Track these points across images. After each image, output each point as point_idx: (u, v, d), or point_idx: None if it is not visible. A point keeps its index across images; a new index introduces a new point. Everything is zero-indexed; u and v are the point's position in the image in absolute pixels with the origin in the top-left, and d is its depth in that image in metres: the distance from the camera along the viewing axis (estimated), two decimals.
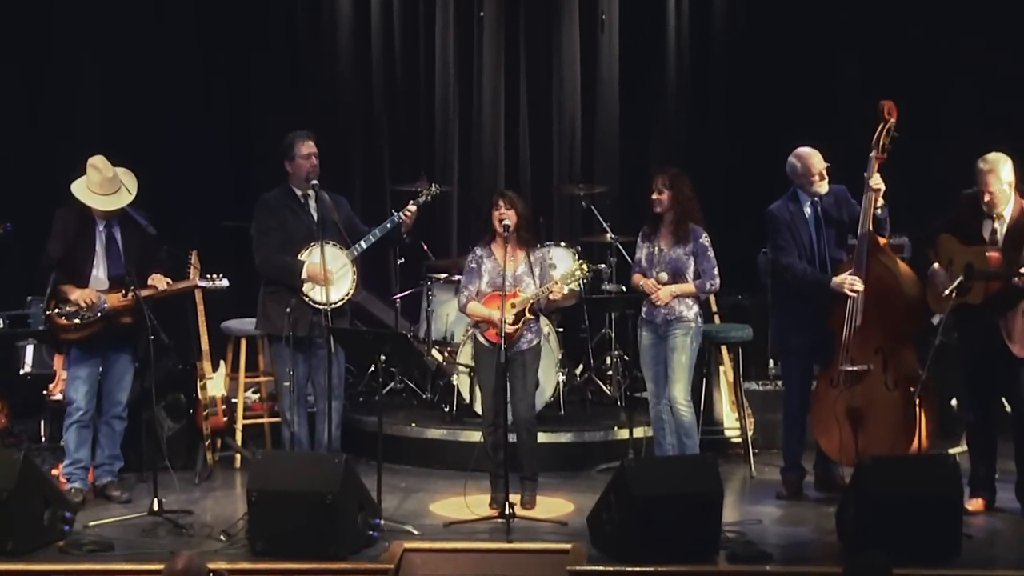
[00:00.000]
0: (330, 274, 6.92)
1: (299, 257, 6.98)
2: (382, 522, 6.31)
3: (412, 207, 7.17)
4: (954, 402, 7.89)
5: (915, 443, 6.52)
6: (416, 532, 6.41)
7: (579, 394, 8.53)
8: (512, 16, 9.74)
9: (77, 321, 6.85)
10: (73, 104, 9.45)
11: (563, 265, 7.90)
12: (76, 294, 6.84)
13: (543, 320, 7.30)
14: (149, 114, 9.38)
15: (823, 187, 6.92)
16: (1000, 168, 6.50)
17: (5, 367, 8.49)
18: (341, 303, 7.01)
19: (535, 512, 6.78)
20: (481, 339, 6.91)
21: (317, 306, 6.94)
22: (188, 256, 7.31)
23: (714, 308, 8.39)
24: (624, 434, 7.76)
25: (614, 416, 8.17)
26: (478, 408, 7.87)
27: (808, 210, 6.97)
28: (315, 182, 7.04)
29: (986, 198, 6.53)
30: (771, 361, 8.56)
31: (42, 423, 8.16)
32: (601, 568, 5.92)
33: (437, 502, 7.08)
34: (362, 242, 7.07)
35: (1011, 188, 6.53)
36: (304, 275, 6.94)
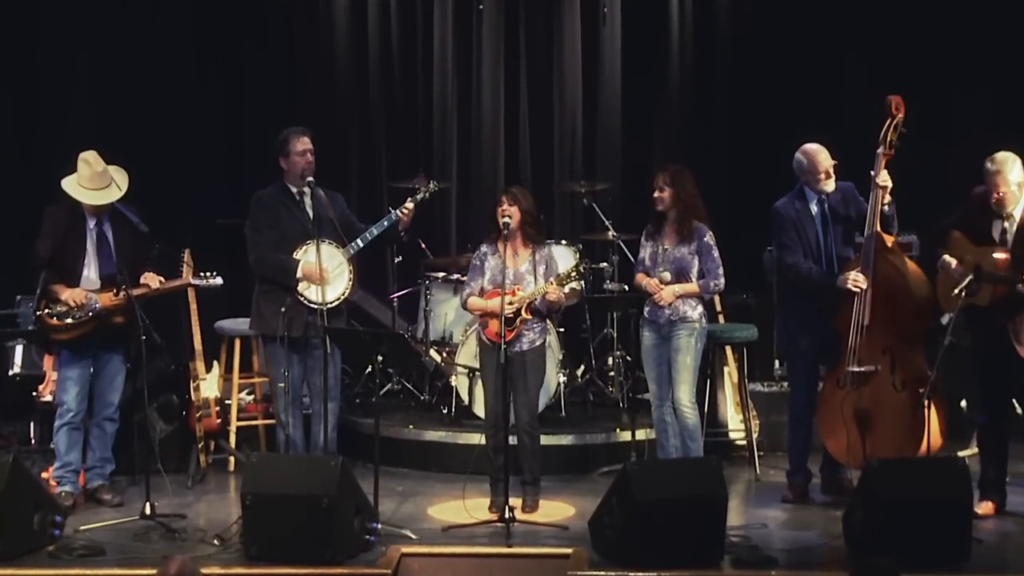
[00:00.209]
0: (326, 273, 6.92)
1: (294, 255, 6.99)
2: (379, 526, 6.31)
3: (410, 204, 7.17)
4: (964, 403, 7.89)
5: (924, 445, 6.52)
6: (414, 536, 6.41)
7: (580, 395, 8.53)
8: (512, 8, 9.74)
9: (69, 321, 6.85)
10: (65, 101, 9.45)
11: (564, 264, 7.89)
12: (67, 294, 6.85)
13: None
14: (142, 110, 9.38)
15: (829, 185, 6.92)
16: (1008, 168, 6.51)
17: None
18: (337, 302, 7.01)
19: (536, 516, 6.79)
20: (484, 337, 6.92)
21: (313, 305, 6.94)
22: (181, 254, 7.32)
23: (718, 307, 8.38)
24: (626, 436, 7.76)
25: (616, 418, 8.17)
26: (477, 410, 7.88)
27: (815, 207, 6.97)
28: (311, 179, 7.04)
29: (994, 198, 6.54)
30: (777, 362, 8.56)
31: (32, 425, 8.16)
32: (603, 573, 5.91)
33: (435, 506, 7.08)
34: (358, 240, 7.08)
35: (1020, 188, 6.54)
36: (299, 274, 6.95)
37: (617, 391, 8.47)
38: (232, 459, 7.92)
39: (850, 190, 7.00)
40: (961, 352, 6.89)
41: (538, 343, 6.91)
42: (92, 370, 7.04)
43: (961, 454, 6.88)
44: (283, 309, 6.86)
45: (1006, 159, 6.53)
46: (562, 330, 8.32)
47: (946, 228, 6.77)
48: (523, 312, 6.76)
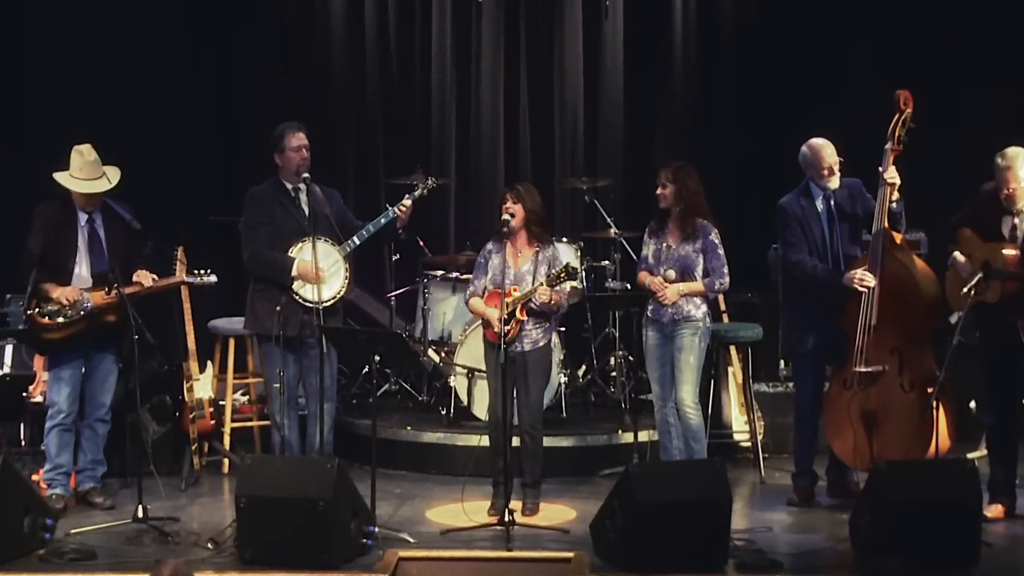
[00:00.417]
0: (322, 271, 6.92)
1: (289, 253, 6.98)
2: (376, 529, 6.31)
3: (407, 201, 7.16)
4: (973, 404, 7.89)
5: (932, 447, 6.53)
6: (412, 540, 6.40)
7: (582, 396, 8.53)
8: (512, 1, 9.74)
9: (60, 320, 6.85)
10: (55, 97, 9.44)
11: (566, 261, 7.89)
12: (58, 292, 6.85)
13: None
14: (134, 105, 9.37)
15: (832, 182, 6.92)
16: (1019, 164, 6.51)
17: None
18: (333, 301, 7.01)
19: (536, 519, 6.79)
20: (486, 338, 6.93)
21: (308, 304, 6.94)
22: (174, 252, 7.31)
23: (723, 307, 8.39)
24: (629, 438, 7.76)
25: (618, 419, 8.17)
26: (476, 411, 7.89)
27: (820, 204, 6.97)
28: (306, 175, 7.03)
29: (1005, 194, 6.55)
30: (782, 362, 8.57)
31: (22, 426, 8.16)
32: None
33: (434, 509, 7.08)
34: (355, 238, 7.07)
35: None
36: (294, 272, 6.94)
37: (619, 391, 8.47)
38: (226, 461, 7.92)
39: (857, 187, 7.00)
40: (970, 352, 6.90)
41: (541, 343, 6.90)
42: (83, 370, 7.05)
43: (970, 456, 6.86)
44: (278, 308, 6.85)
45: (1017, 154, 6.53)
46: (563, 329, 8.31)
47: (955, 225, 6.78)
48: (518, 313, 6.76)
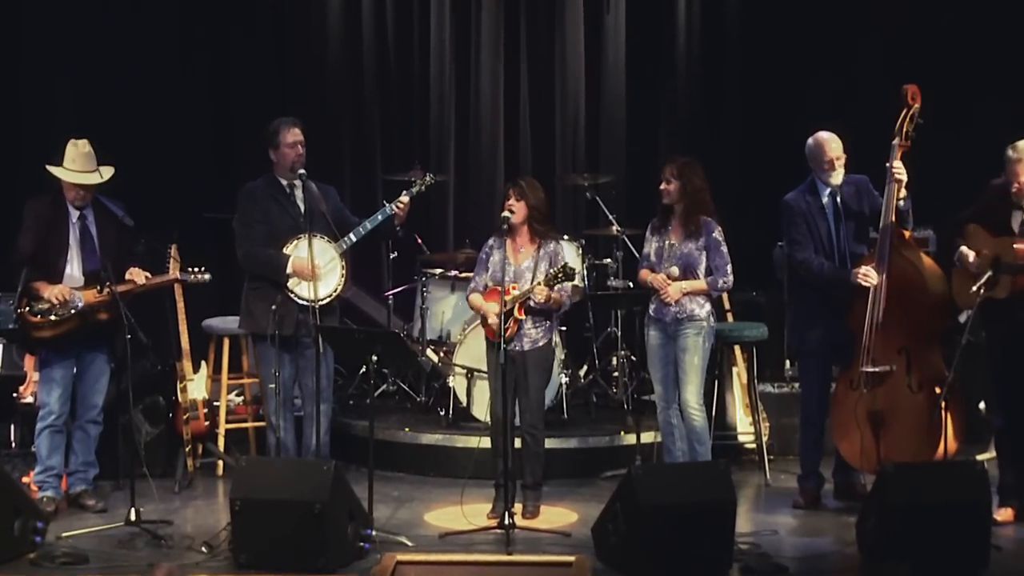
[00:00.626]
0: (317, 269, 6.91)
1: (284, 251, 6.98)
2: (374, 533, 6.31)
3: (405, 198, 7.16)
4: (982, 405, 7.89)
5: (940, 449, 6.53)
6: (410, 544, 6.41)
7: (583, 397, 8.54)
8: None
9: (52, 318, 6.85)
10: (47, 91, 9.43)
11: (568, 259, 7.89)
12: (48, 291, 6.84)
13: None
14: (127, 100, 9.37)
15: (835, 177, 6.92)
16: None
17: None
18: (330, 300, 7.01)
19: (537, 522, 6.79)
20: (487, 337, 6.95)
21: (304, 303, 6.94)
22: (167, 249, 7.30)
23: (727, 305, 8.39)
24: (631, 439, 7.76)
25: (620, 420, 8.17)
26: (475, 411, 7.89)
27: (826, 201, 6.97)
28: (302, 171, 7.03)
29: (1015, 187, 6.54)
30: (787, 362, 8.57)
31: (12, 428, 8.15)
32: None
33: (432, 512, 7.09)
34: (352, 235, 7.07)
35: None
36: (290, 270, 6.94)
37: (621, 392, 8.47)
38: (221, 463, 7.92)
39: (864, 183, 7.00)
40: (979, 352, 6.89)
41: (542, 343, 6.90)
42: (75, 371, 7.05)
43: (979, 458, 6.88)
44: (273, 307, 6.85)
45: None
46: (564, 329, 8.32)
47: (962, 221, 6.77)
48: (516, 312, 6.76)
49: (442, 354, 8.43)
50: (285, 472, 6.33)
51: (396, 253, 8.96)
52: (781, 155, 8.75)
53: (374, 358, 6.65)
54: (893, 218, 6.76)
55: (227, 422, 8.06)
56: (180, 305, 7.79)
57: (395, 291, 8.97)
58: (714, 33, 9.78)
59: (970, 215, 6.76)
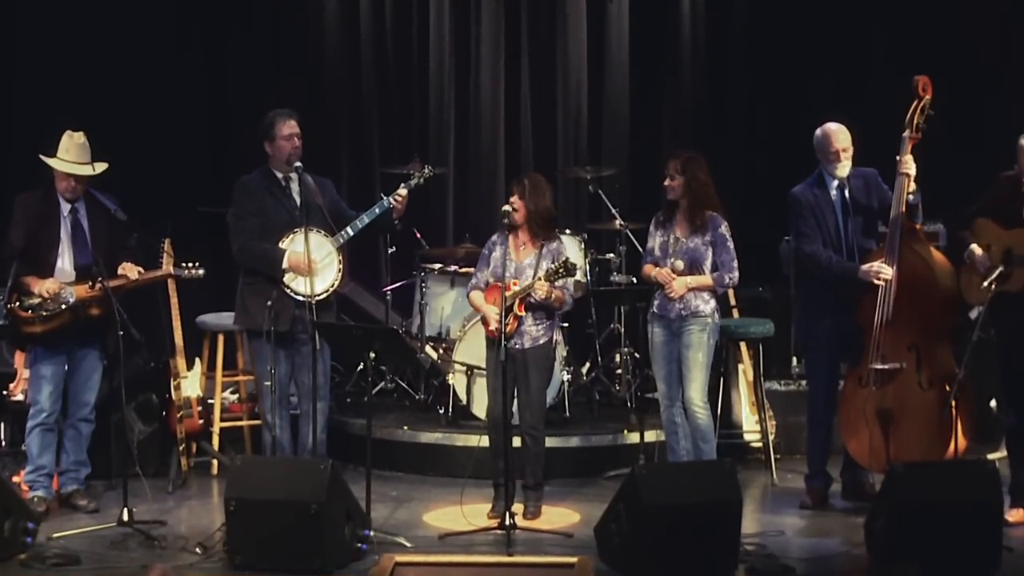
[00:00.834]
0: (314, 263, 6.91)
1: (280, 245, 6.97)
2: (371, 533, 6.30)
3: (403, 191, 7.15)
4: (993, 403, 7.88)
5: (951, 448, 6.51)
6: (408, 544, 6.40)
7: (586, 395, 8.53)
8: None
9: (43, 313, 6.84)
10: (40, 83, 9.41)
11: (572, 257, 7.89)
12: (39, 285, 6.83)
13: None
14: (120, 91, 9.36)
15: (842, 169, 6.90)
16: None
17: None
18: (326, 295, 7.00)
19: (538, 523, 6.79)
20: (486, 335, 6.94)
21: (300, 298, 6.93)
22: (161, 244, 7.30)
23: (732, 301, 8.37)
24: (634, 438, 7.75)
25: (624, 418, 8.17)
26: (476, 410, 7.88)
27: (834, 194, 6.95)
28: (298, 164, 7.02)
29: None
30: (794, 359, 8.55)
31: (2, 426, 8.16)
32: None
33: (431, 512, 7.08)
34: (349, 229, 7.06)
35: None
36: (285, 264, 6.93)
37: (624, 390, 8.46)
38: (215, 462, 7.91)
39: (873, 177, 6.99)
40: (991, 348, 6.88)
41: (542, 340, 6.89)
42: (67, 367, 7.04)
43: (990, 457, 6.88)
44: (269, 302, 6.84)
45: None
46: (566, 325, 8.31)
47: (972, 215, 6.76)
48: (516, 308, 6.75)
49: (441, 351, 8.42)
50: (281, 471, 6.33)
51: (394, 248, 8.94)
52: (787, 148, 8.76)
53: (372, 355, 6.65)
54: (903, 210, 6.74)
55: (222, 420, 8.05)
56: (174, 301, 7.78)
57: (393, 286, 8.96)
58: (719, 24, 9.76)
59: (979, 209, 6.75)
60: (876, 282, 6.71)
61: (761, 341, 7.99)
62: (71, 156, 6.88)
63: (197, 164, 9.55)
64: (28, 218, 6.93)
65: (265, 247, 6.98)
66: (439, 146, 9.75)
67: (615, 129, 9.78)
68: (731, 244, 6.92)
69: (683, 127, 9.63)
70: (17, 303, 6.86)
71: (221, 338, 8.02)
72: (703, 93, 9.78)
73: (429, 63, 9.76)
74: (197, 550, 6.27)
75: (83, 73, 9.39)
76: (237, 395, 8.39)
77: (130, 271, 6.97)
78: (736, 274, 6.93)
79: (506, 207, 6.85)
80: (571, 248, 8.29)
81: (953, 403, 6.40)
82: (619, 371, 8.61)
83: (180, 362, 7.82)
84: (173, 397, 7.75)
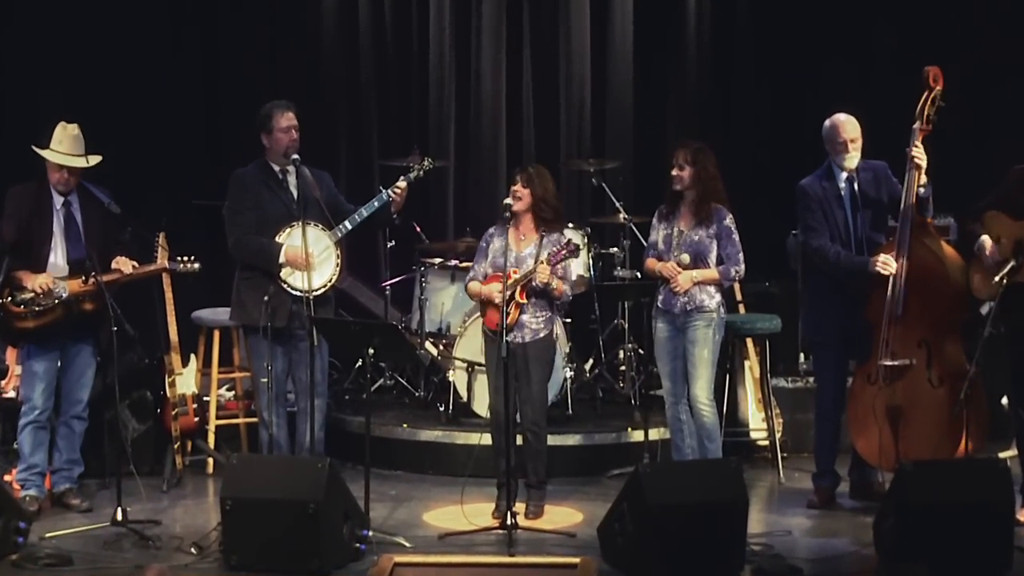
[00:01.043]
0: (311, 258, 6.90)
1: (277, 239, 6.97)
2: (370, 533, 6.31)
3: (402, 183, 7.15)
4: (1005, 400, 7.87)
5: (962, 446, 6.52)
6: (408, 544, 6.41)
7: (589, 392, 8.53)
8: None
9: (35, 309, 6.84)
10: (32, 76, 9.40)
11: None
12: (31, 280, 6.83)
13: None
14: (114, 82, 9.35)
15: (850, 160, 6.89)
16: None
17: None
18: (324, 290, 7.00)
19: (540, 523, 6.79)
20: (485, 328, 6.94)
21: (297, 294, 6.93)
22: (155, 237, 7.30)
23: (739, 296, 8.38)
24: (638, 436, 7.76)
25: (627, 416, 8.17)
26: (476, 407, 7.88)
27: (843, 187, 6.94)
28: (295, 157, 7.02)
29: None
30: (802, 355, 8.55)
31: None
32: None
33: (431, 511, 7.09)
34: (347, 222, 7.06)
35: None
36: (282, 259, 6.93)
37: (628, 387, 8.47)
38: (211, 461, 7.91)
39: (883, 170, 6.98)
40: (1002, 344, 6.87)
41: (543, 334, 6.89)
42: (59, 364, 7.04)
43: (1002, 455, 6.87)
44: (266, 298, 6.84)
45: None
46: (568, 321, 8.31)
47: (983, 208, 6.75)
48: (517, 295, 6.74)
49: (441, 347, 8.42)
50: (278, 470, 6.32)
51: (393, 242, 8.95)
52: (794, 140, 8.76)
53: (371, 351, 6.64)
54: (914, 203, 6.73)
55: (217, 418, 8.06)
56: (168, 296, 7.78)
57: (392, 281, 8.97)
58: (725, 14, 9.75)
59: (990, 202, 6.74)
60: (882, 272, 6.68)
61: (768, 337, 7.99)
62: (64, 148, 6.88)
63: (192, 156, 9.54)
64: (20, 211, 6.93)
65: (262, 241, 6.97)
66: (439, 138, 9.75)
67: (619, 120, 9.78)
68: (737, 236, 6.91)
69: (688, 118, 9.62)
70: (9, 298, 6.86)
71: (217, 334, 8.02)
72: (709, 84, 9.77)
73: (429, 53, 9.75)
74: (192, 550, 6.27)
75: (77, 65, 9.38)
76: (233, 392, 8.40)
77: (124, 265, 6.97)
78: (742, 267, 6.93)
79: (507, 200, 6.84)
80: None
81: (964, 400, 6.39)
82: (623, 368, 8.61)
83: (175, 358, 7.82)
84: (168, 394, 7.75)
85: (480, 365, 7.69)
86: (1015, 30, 9.06)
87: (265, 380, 6.97)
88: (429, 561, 6.16)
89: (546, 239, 6.88)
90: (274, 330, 6.89)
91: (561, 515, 6.96)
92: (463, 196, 9.81)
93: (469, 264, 7.29)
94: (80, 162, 6.91)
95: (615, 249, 8.82)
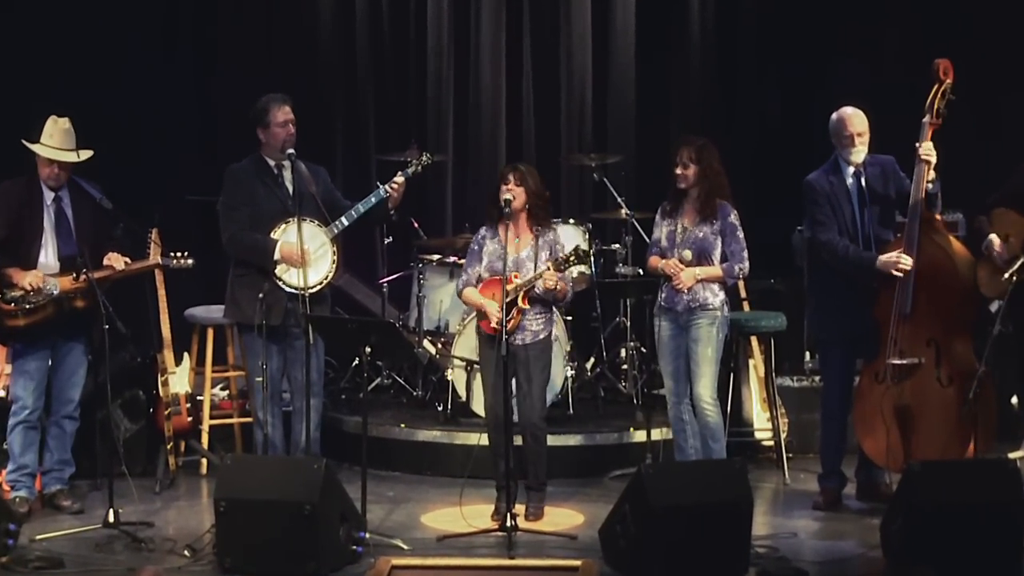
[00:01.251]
0: (307, 254, 6.90)
1: (272, 235, 6.97)
2: (367, 535, 6.30)
3: (400, 179, 7.15)
4: (1015, 400, 7.88)
5: (971, 446, 6.51)
6: (406, 547, 6.40)
7: (590, 391, 8.53)
8: None
9: (26, 306, 6.83)
10: (23, 70, 9.39)
11: (571, 245, 7.88)
12: (21, 277, 6.82)
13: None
14: (106, 76, 9.34)
15: (856, 154, 6.89)
16: None
17: None
18: (320, 287, 7.00)
19: (541, 524, 6.79)
20: (481, 330, 6.91)
21: (293, 291, 6.93)
22: (148, 233, 7.30)
23: (743, 294, 8.37)
24: (641, 436, 7.76)
25: (630, 416, 8.18)
26: (475, 407, 7.87)
27: (851, 182, 6.94)
28: (291, 151, 7.01)
29: None
30: (808, 353, 8.55)
31: None
32: None
33: (429, 513, 7.09)
34: (343, 218, 7.06)
35: None
36: (277, 255, 6.93)
37: (631, 386, 8.47)
38: (204, 461, 7.91)
39: (890, 165, 6.97)
40: (1012, 343, 6.87)
41: (542, 335, 6.89)
42: (50, 363, 7.04)
43: (1011, 456, 6.86)
44: (261, 295, 6.84)
45: None
46: (569, 319, 8.31)
47: (992, 204, 6.76)
48: (520, 302, 6.74)
49: (440, 345, 8.42)
50: (273, 471, 6.32)
51: (391, 238, 8.94)
52: (799, 136, 8.74)
53: (368, 350, 6.64)
54: (923, 198, 6.73)
55: (211, 418, 8.06)
56: (161, 292, 7.78)
57: (390, 278, 8.96)
58: (728, 9, 9.74)
59: (999, 198, 6.75)
60: (895, 273, 6.69)
61: (773, 335, 7.99)
62: (55, 142, 6.88)
63: (186, 150, 9.53)
64: (9, 207, 6.92)
65: (256, 237, 6.97)
66: (437, 132, 9.75)
67: (621, 114, 9.77)
68: (741, 233, 6.90)
69: (691, 111, 9.62)
70: None
71: (211, 332, 8.02)
72: (712, 76, 9.76)
73: (427, 45, 9.75)
74: (186, 553, 6.27)
75: (70, 58, 9.37)
76: (227, 391, 8.39)
77: (116, 261, 6.96)
78: (746, 264, 6.92)
79: (507, 195, 6.83)
80: (574, 238, 8.31)
81: (973, 400, 6.38)
82: (625, 367, 8.61)
83: (168, 357, 7.81)
84: (161, 393, 7.75)
85: (479, 364, 7.69)
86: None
87: (260, 379, 6.96)
88: (427, 564, 6.18)
89: (542, 240, 6.88)
90: (269, 328, 6.88)
91: (562, 517, 6.96)
92: (462, 192, 9.80)
93: None
94: (71, 156, 6.90)
95: (617, 245, 8.82)
